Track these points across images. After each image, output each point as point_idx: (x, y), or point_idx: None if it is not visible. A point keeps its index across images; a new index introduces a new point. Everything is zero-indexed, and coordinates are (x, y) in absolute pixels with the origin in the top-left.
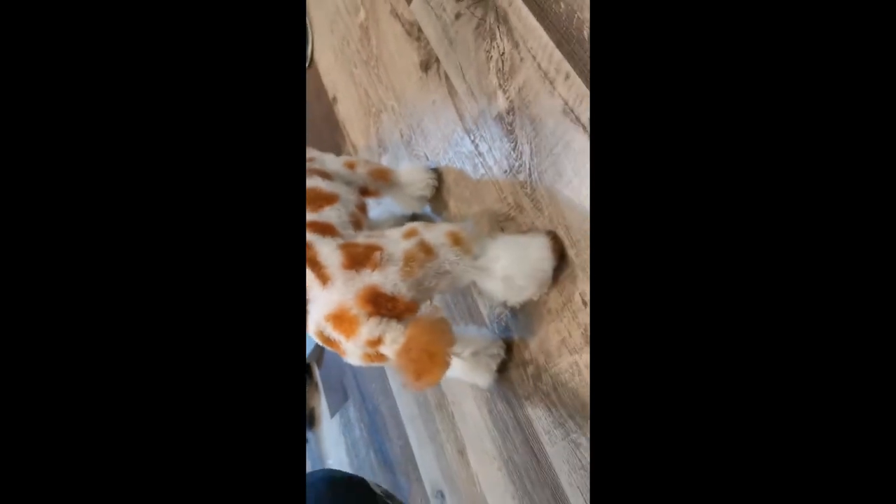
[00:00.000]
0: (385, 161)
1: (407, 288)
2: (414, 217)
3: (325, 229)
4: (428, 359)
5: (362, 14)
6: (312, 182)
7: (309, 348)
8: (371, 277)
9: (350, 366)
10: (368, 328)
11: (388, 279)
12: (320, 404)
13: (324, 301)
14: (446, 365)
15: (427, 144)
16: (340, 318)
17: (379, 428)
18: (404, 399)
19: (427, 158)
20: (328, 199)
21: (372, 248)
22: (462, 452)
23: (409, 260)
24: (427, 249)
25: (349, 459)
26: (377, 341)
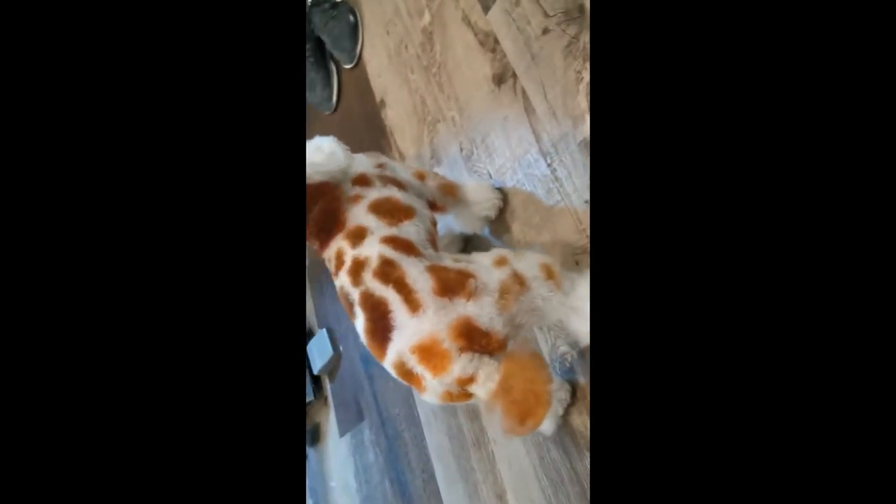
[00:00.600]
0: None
1: (502, 323)
2: (469, 238)
3: (407, 247)
4: (533, 399)
5: (426, 18)
6: (388, 192)
7: (324, 360)
8: (466, 308)
9: (369, 384)
10: (461, 365)
11: (483, 311)
12: (328, 420)
13: (412, 330)
14: (549, 405)
15: (492, 162)
16: (429, 352)
17: (399, 456)
18: (433, 429)
19: (490, 177)
20: (406, 213)
21: (464, 275)
22: (501, 497)
23: (504, 292)
24: (520, 281)
25: (357, 485)
26: (469, 380)
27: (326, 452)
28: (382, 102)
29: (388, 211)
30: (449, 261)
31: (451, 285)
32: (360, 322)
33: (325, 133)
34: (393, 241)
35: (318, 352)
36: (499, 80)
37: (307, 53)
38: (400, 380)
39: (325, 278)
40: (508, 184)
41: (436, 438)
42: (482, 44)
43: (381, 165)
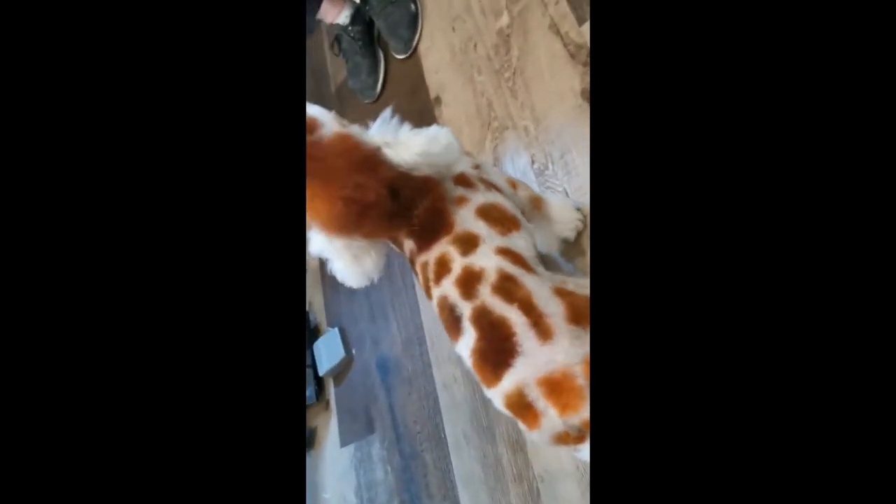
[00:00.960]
0: None
1: None
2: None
3: (522, 262)
4: None
5: (505, 19)
6: (493, 197)
7: (332, 362)
8: None
9: (386, 395)
10: None
11: None
12: (327, 427)
13: (542, 360)
14: None
15: (569, 181)
16: (560, 387)
17: (415, 478)
18: (465, 454)
19: (567, 195)
20: (513, 223)
21: None
22: None
23: None
24: None
25: (358, 501)
26: None
27: (322, 461)
28: (438, 99)
29: (498, 219)
30: (571, 283)
31: (585, 313)
32: (468, 340)
33: (359, 121)
34: (508, 254)
35: (327, 353)
36: (589, 95)
37: (356, 36)
38: (504, 410)
39: None
40: (588, 206)
41: (466, 465)
42: (573, 56)
43: (477, 167)
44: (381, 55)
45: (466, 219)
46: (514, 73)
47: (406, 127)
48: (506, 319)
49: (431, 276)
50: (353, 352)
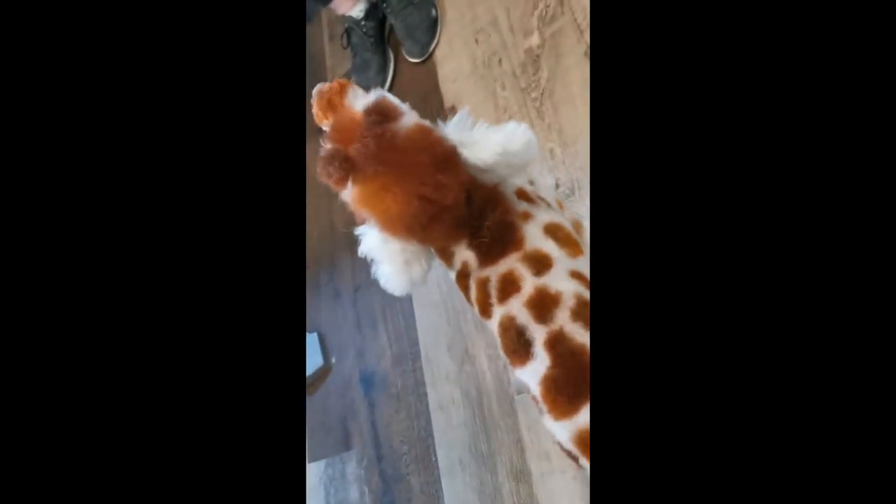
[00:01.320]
0: None
1: None
2: None
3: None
4: None
5: (535, 39)
6: (556, 216)
7: (311, 369)
8: None
9: (368, 411)
10: None
11: None
12: None
13: None
14: None
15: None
16: None
17: (398, 502)
18: (459, 481)
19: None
20: (577, 246)
21: None
22: None
23: None
24: None
25: None
26: None
27: None
28: (453, 109)
29: (565, 240)
30: None
31: None
32: (538, 366)
33: None
34: (582, 279)
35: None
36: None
37: (369, 32)
38: (568, 444)
39: (323, 280)
40: None
41: (459, 493)
42: None
43: (531, 182)
44: (392, 55)
45: (536, 236)
46: (542, 94)
47: (481, 124)
48: (587, 348)
49: (495, 293)
50: (333, 361)
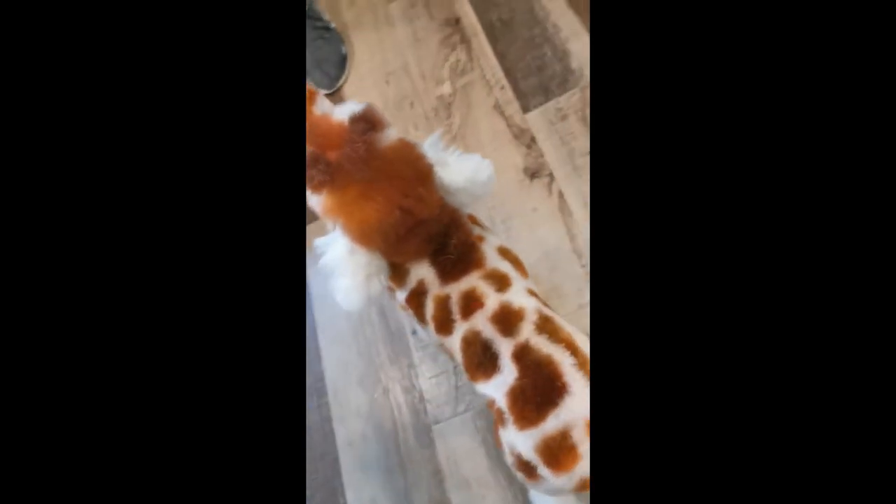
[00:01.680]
0: None
1: None
2: None
3: (547, 306)
4: None
5: (447, 88)
6: (500, 240)
7: None
8: None
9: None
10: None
11: None
12: None
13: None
14: None
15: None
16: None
17: None
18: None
19: None
20: (523, 268)
21: None
22: None
23: None
24: None
25: None
26: None
27: None
28: None
29: (514, 261)
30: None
31: None
32: (506, 378)
33: None
34: (537, 297)
35: None
36: (532, 174)
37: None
38: (529, 454)
39: None
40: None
41: None
42: (516, 137)
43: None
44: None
45: (493, 257)
46: (454, 137)
47: (453, 150)
48: (551, 359)
49: (457, 309)
50: None
